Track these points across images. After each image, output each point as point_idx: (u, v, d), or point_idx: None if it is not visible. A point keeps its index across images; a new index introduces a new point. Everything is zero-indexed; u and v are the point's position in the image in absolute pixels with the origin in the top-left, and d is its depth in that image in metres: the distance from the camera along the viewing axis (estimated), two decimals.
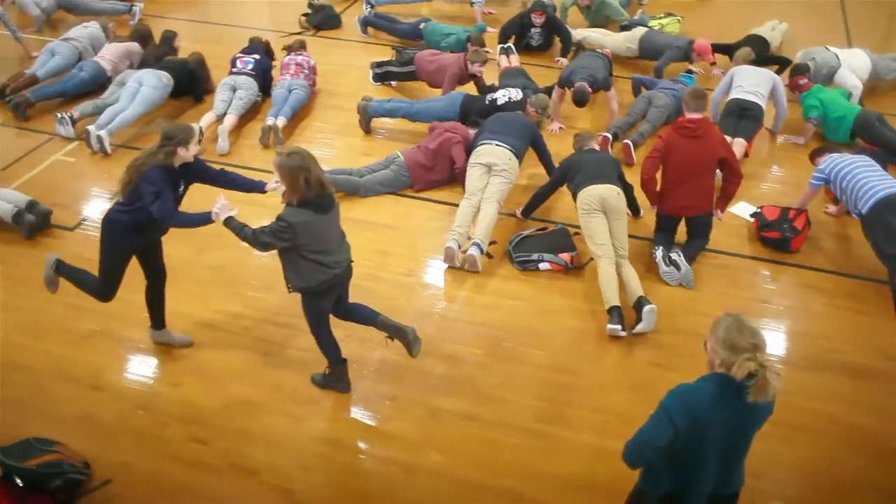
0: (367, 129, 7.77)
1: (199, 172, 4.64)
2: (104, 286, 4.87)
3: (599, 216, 5.71)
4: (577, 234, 6.13)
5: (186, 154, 4.43)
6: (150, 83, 7.74)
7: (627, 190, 6.06)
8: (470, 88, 7.98)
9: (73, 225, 6.50)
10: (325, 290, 4.46)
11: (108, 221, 4.63)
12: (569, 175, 6.05)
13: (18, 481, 4.15)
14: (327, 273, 4.36)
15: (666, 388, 3.02)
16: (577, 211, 5.82)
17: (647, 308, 5.30)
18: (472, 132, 6.94)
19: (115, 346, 5.27)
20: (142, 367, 5.12)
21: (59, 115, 7.65)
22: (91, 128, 7.39)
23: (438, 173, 6.93)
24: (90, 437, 4.60)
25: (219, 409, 4.79)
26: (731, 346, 2.89)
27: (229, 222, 4.35)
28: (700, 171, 5.80)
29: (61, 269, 5.02)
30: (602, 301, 5.45)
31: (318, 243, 4.24)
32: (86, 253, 5.99)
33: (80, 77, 8.23)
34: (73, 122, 7.63)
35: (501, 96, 7.44)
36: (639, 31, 9.13)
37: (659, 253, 5.91)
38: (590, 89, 7.53)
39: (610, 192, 5.74)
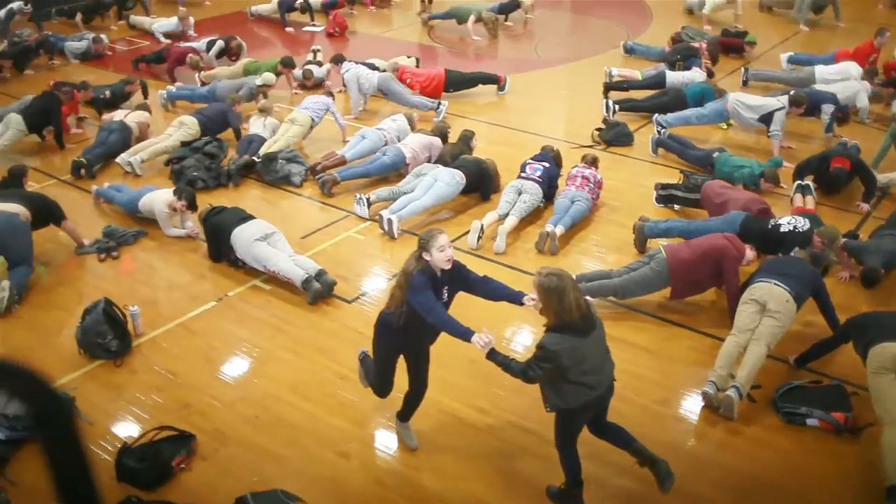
0: (642, 250, 7.69)
1: (460, 279, 4.71)
2: (379, 383, 5.10)
3: (892, 377, 5.18)
4: (854, 393, 5.60)
5: (433, 259, 4.54)
6: (445, 179, 8.23)
7: None
8: None
9: (351, 298, 6.98)
10: (585, 410, 4.41)
11: (380, 322, 4.82)
12: (858, 333, 5.57)
13: None
14: (589, 394, 4.30)
15: None
16: (867, 367, 5.32)
17: None
18: (750, 254, 6.61)
19: (368, 419, 5.52)
20: (388, 445, 5.31)
21: (357, 196, 8.34)
22: (384, 212, 7.96)
23: (701, 279, 6.55)
24: (330, 500, 4.83)
25: (452, 500, 4.84)
26: None
27: (494, 356, 4.36)
28: None
29: (364, 362, 5.31)
30: (881, 475, 4.86)
31: (581, 364, 4.20)
32: (359, 326, 6.43)
33: (383, 161, 8.94)
34: (370, 203, 8.27)
35: (786, 223, 7.02)
36: None
37: None
38: (882, 271, 6.93)
39: None
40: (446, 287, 4.64)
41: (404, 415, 5.29)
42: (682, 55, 12.29)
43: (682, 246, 6.69)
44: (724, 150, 9.36)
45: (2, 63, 12.75)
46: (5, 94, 11.89)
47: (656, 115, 10.26)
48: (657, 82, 11.46)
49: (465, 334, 4.38)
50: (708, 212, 7.99)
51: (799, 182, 8.56)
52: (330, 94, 10.61)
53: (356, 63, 11.38)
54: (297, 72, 12.09)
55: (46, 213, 7.57)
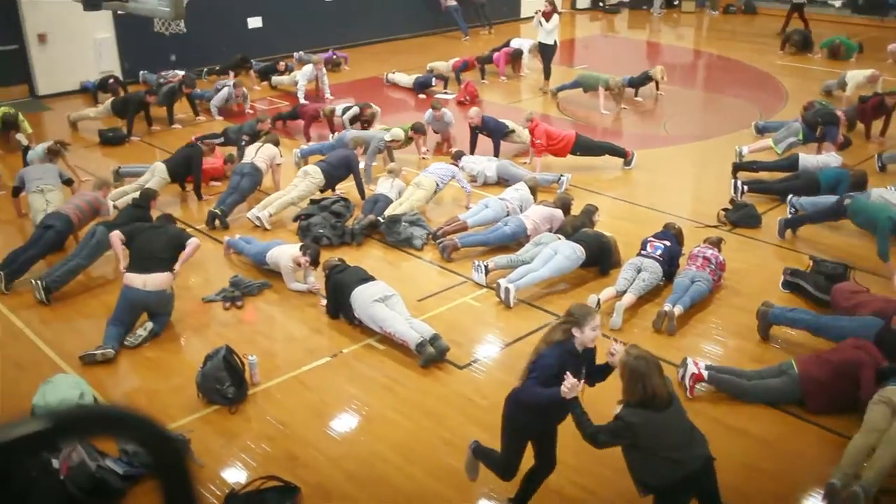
0: (765, 336, 7.41)
1: (589, 361, 4.67)
2: (505, 465, 4.99)
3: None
4: None
5: (582, 336, 4.49)
6: (565, 253, 8.21)
7: None
8: None
9: (463, 364, 6.99)
10: (680, 490, 4.26)
11: (513, 401, 4.75)
12: None
13: None
14: (681, 469, 4.18)
15: None
16: None
17: None
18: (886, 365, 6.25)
19: (472, 488, 5.45)
20: None
21: (476, 263, 8.41)
22: (502, 280, 7.98)
23: (839, 393, 6.21)
24: None
25: None
26: None
27: (574, 407, 4.31)
28: None
29: (478, 452, 5.22)
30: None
31: (663, 439, 4.11)
32: (468, 393, 6.43)
33: (504, 231, 9.00)
34: (488, 271, 8.31)
35: None
36: None
37: None
38: None
39: None
40: (585, 366, 4.60)
41: (523, 499, 5.10)
42: (823, 119, 11.94)
43: (814, 361, 6.37)
44: (857, 195, 8.95)
45: (148, 99, 13.45)
46: (151, 146, 12.64)
47: (791, 196, 9.94)
48: (789, 165, 11.15)
49: (552, 395, 4.31)
50: (838, 313, 7.62)
51: None
52: (457, 160, 10.77)
53: (475, 156, 11.68)
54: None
55: (179, 244, 7.74)
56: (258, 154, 10.49)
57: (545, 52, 15.88)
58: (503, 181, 11.02)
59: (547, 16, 15.38)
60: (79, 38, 15.63)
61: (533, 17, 15.98)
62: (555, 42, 15.77)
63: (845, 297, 7.52)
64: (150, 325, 7.36)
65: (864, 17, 22.91)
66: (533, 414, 4.63)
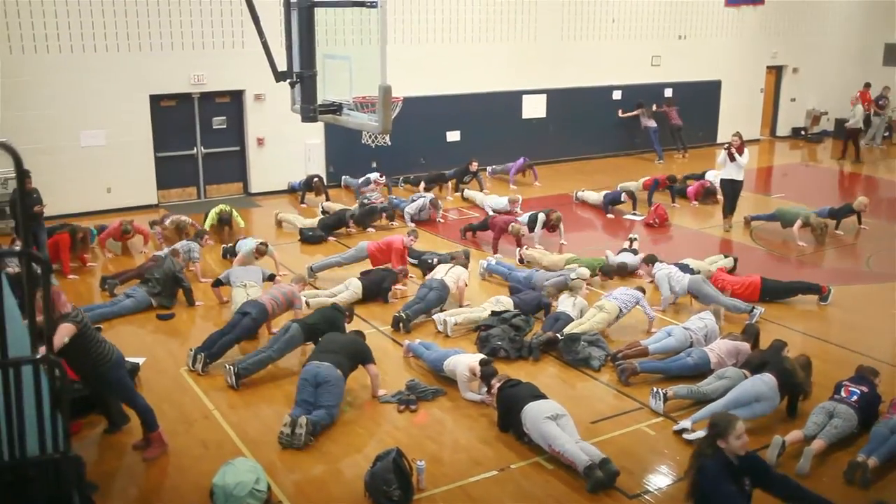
0: None
1: (760, 472, 4.42)
2: None
3: None
4: None
5: (726, 445, 4.27)
6: (750, 383, 7.85)
7: None
8: None
9: (633, 493, 6.73)
10: None
11: None
12: None
13: None
14: None
15: None
16: None
17: None
18: None
19: None
20: None
21: (654, 390, 8.16)
22: (684, 422, 7.72)
23: None
24: None
25: None
26: None
27: None
28: None
29: None
30: None
31: None
32: None
33: (685, 362, 8.72)
34: (666, 399, 8.04)
35: None
36: None
37: None
38: None
39: None
40: (747, 478, 4.35)
41: None
42: None
43: None
44: None
45: (350, 222, 14.36)
46: (347, 246, 13.32)
47: None
48: None
49: None
50: None
51: None
52: (641, 288, 10.66)
53: (668, 264, 11.39)
54: (614, 258, 12.30)
55: (360, 355, 8.26)
56: (448, 273, 10.85)
57: (733, 187, 14.83)
58: (692, 296, 10.77)
59: (740, 150, 14.34)
60: (292, 142, 16.95)
61: (720, 154, 14.83)
62: (742, 178, 14.82)
63: None
64: (303, 419, 7.39)
65: None
66: None
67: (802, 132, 25.29)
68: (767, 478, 4.47)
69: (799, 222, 14.18)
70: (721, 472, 4.28)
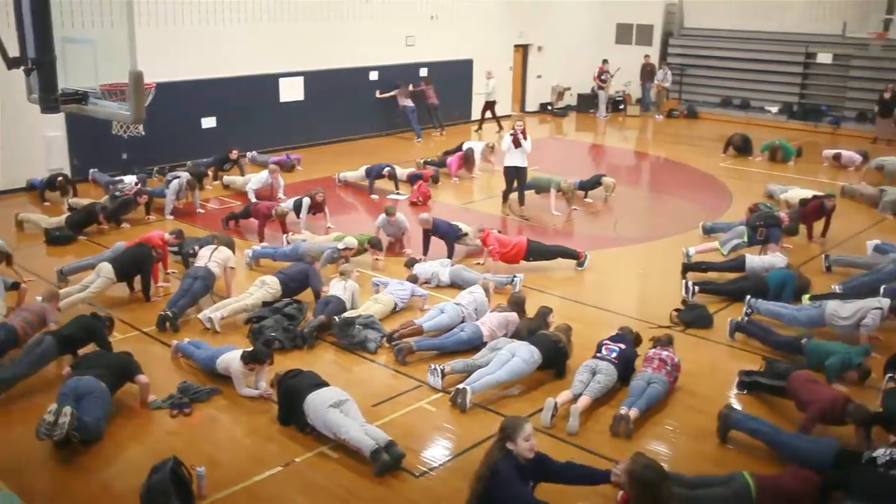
0: (724, 439, 7.39)
1: (545, 469, 4.57)
2: None
3: None
4: None
5: (515, 448, 4.39)
6: (523, 356, 8.17)
7: None
8: None
9: (419, 472, 6.82)
10: None
11: None
12: None
13: None
14: None
15: None
16: None
17: None
18: None
19: None
20: None
21: (432, 367, 8.32)
22: (461, 386, 7.88)
23: None
24: None
25: None
26: None
27: None
28: None
29: None
30: None
31: None
32: (424, 503, 6.24)
33: (460, 337, 8.94)
34: (444, 375, 8.20)
35: (882, 455, 6.48)
36: None
37: None
38: None
39: None
40: (531, 476, 4.48)
41: None
42: (765, 221, 12.25)
43: (763, 482, 6.20)
44: (812, 337, 9.09)
45: (101, 216, 13.36)
46: (100, 245, 12.44)
47: (750, 297, 10.06)
48: (737, 265, 11.37)
49: None
50: (795, 405, 7.70)
51: (891, 375, 8.21)
52: (410, 268, 10.74)
53: (428, 261, 11.67)
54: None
55: (125, 368, 7.81)
56: (212, 257, 10.36)
57: (518, 174, 14.74)
58: (457, 286, 11.01)
59: (524, 134, 14.34)
60: (29, 136, 15.46)
61: (504, 140, 14.72)
62: (526, 164, 14.77)
63: (803, 383, 7.70)
64: (67, 408, 6.81)
65: (798, 122, 23.92)
66: None
67: (549, 107, 26.71)
68: (554, 471, 4.62)
69: (552, 190, 14.97)
70: (513, 474, 4.35)
